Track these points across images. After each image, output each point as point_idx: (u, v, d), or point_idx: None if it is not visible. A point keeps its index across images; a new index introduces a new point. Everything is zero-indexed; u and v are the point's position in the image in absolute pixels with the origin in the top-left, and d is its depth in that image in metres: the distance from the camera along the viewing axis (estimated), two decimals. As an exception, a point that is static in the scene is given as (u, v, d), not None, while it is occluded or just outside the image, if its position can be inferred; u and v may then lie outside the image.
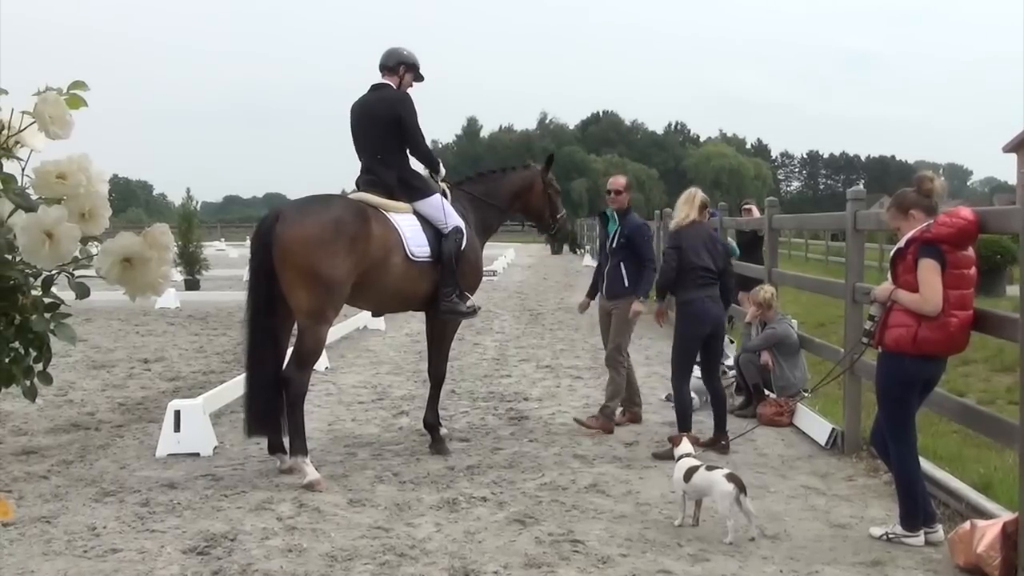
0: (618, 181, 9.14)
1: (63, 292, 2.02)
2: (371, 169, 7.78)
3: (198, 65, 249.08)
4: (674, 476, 6.09)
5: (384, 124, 7.67)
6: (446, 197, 7.90)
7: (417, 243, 7.50)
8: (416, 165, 7.94)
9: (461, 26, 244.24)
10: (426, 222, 7.67)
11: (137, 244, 1.85)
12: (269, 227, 7.06)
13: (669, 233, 8.02)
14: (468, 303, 7.81)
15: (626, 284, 8.64)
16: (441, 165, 8.05)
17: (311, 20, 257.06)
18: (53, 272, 1.90)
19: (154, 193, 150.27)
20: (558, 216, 8.92)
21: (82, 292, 1.95)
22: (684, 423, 7.74)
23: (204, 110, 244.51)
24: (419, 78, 8.03)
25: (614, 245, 8.87)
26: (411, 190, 7.72)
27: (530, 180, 8.71)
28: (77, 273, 1.94)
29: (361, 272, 7.15)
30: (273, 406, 7.18)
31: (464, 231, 7.82)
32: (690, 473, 5.90)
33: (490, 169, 9.03)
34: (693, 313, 7.81)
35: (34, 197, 1.89)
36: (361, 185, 7.79)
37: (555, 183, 8.91)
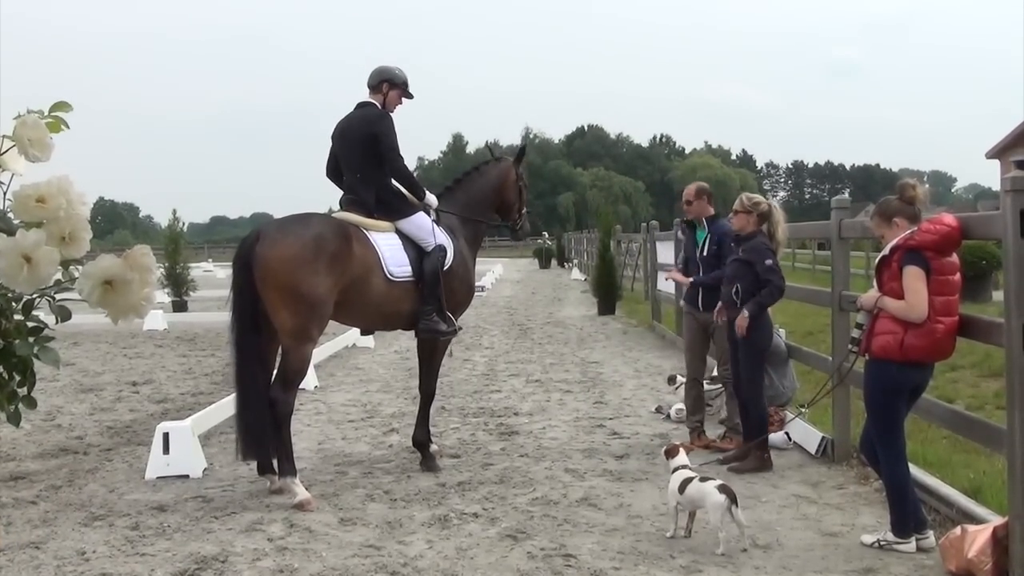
0: (688, 191, 8.85)
1: (48, 316, 2.01)
2: (352, 188, 7.77)
3: (184, 86, 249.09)
4: (669, 487, 6.08)
5: (361, 143, 7.66)
6: (431, 216, 7.87)
7: (396, 263, 7.46)
8: (399, 185, 7.91)
9: (447, 42, 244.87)
10: (408, 241, 7.64)
11: (117, 266, 1.84)
12: (249, 247, 7.04)
13: (767, 249, 7.64)
14: (450, 323, 7.78)
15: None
16: (428, 194, 7.92)
17: (298, 40, 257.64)
18: (34, 296, 1.89)
19: (140, 215, 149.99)
20: (523, 212, 8.83)
21: (64, 315, 1.94)
22: (761, 434, 7.66)
23: (190, 131, 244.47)
24: (407, 95, 8.02)
25: (704, 254, 8.62)
26: (391, 209, 7.68)
27: (504, 173, 8.60)
28: (62, 296, 1.93)
29: (342, 290, 7.13)
30: (265, 426, 7.14)
31: (450, 249, 7.81)
32: (684, 485, 5.90)
33: (464, 171, 8.91)
34: (766, 324, 7.78)
35: (15, 221, 1.88)
36: (343, 205, 7.80)
37: (525, 177, 8.82)
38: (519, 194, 8.70)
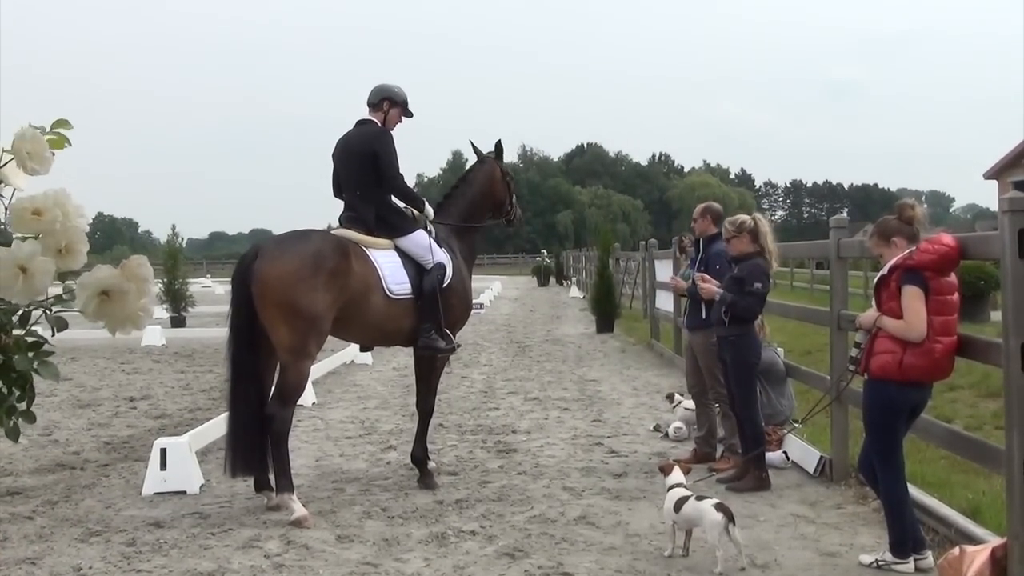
0: (696, 209, 9.06)
1: (45, 330, 2.00)
2: (352, 205, 7.78)
3: (183, 101, 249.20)
4: (665, 506, 6.07)
5: (361, 160, 7.67)
6: (430, 233, 7.89)
7: (396, 280, 7.47)
8: (399, 201, 7.93)
9: (445, 58, 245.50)
10: (408, 258, 7.64)
11: (114, 277, 1.84)
12: (248, 264, 7.04)
13: (762, 273, 7.66)
14: (448, 340, 7.78)
15: (703, 316, 8.33)
16: (426, 204, 7.99)
17: (297, 56, 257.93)
18: (31, 308, 1.89)
19: (140, 230, 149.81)
20: (514, 202, 8.89)
21: (60, 325, 1.93)
22: (759, 448, 7.61)
23: (189, 147, 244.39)
24: (407, 114, 8.05)
25: (695, 274, 8.70)
26: (391, 227, 7.69)
27: (490, 174, 8.67)
28: (58, 309, 1.93)
29: (341, 307, 7.13)
30: (257, 444, 7.13)
31: (448, 266, 7.81)
32: (680, 503, 5.89)
33: (452, 185, 8.96)
34: (753, 341, 7.77)
35: (13, 235, 1.88)
36: (343, 222, 7.80)
37: (510, 171, 8.93)
38: (507, 188, 8.78)
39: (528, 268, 56.22)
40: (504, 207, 8.81)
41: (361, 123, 7.88)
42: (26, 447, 9.42)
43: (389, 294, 7.40)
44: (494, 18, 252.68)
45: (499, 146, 8.92)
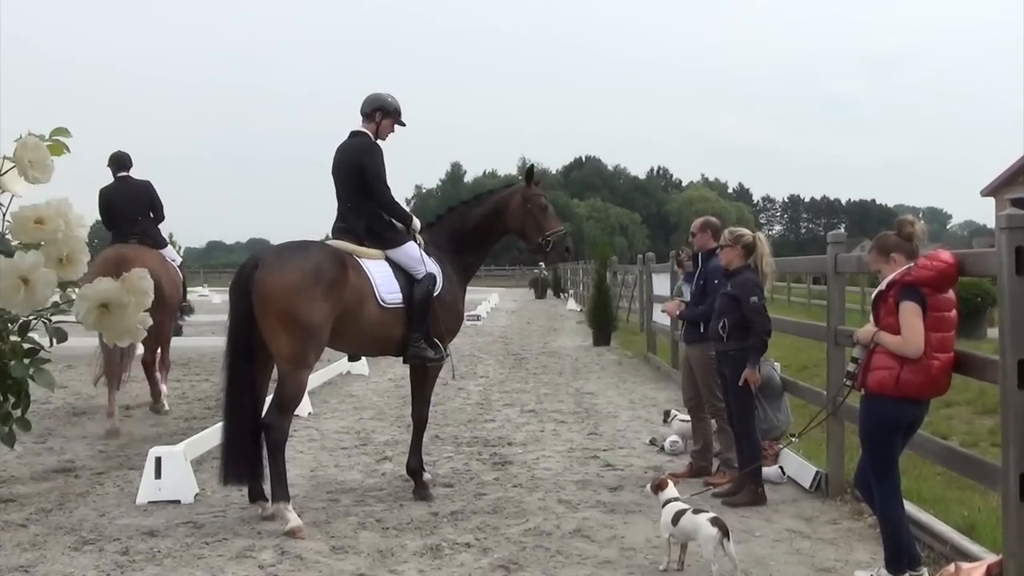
0: (694, 223, 9.02)
1: (43, 338, 2.00)
2: (343, 216, 7.82)
3: (180, 110, 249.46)
4: (662, 520, 6.06)
5: (349, 173, 7.71)
6: (420, 245, 7.87)
7: (388, 290, 7.48)
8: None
9: (444, 71, 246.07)
10: (399, 268, 7.66)
11: (114, 289, 1.85)
12: (249, 274, 7.06)
13: (755, 285, 7.64)
14: (437, 350, 7.78)
15: (701, 330, 8.39)
16: (415, 220, 7.95)
17: (294, 66, 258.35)
18: (30, 317, 1.89)
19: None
20: (547, 233, 8.35)
21: (60, 337, 1.94)
22: (756, 465, 7.60)
23: (187, 156, 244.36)
24: (400, 123, 8.05)
25: (693, 289, 8.79)
26: (381, 239, 7.71)
27: (504, 201, 8.38)
28: (58, 318, 1.93)
29: (337, 317, 7.15)
30: (250, 453, 7.13)
31: (439, 277, 7.81)
32: (677, 517, 5.88)
33: (462, 200, 8.85)
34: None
35: (13, 243, 1.88)
36: (335, 232, 7.84)
37: (540, 198, 8.40)
38: (531, 217, 8.33)
39: (525, 280, 56.28)
40: (530, 237, 8.39)
41: (354, 135, 7.90)
42: (21, 454, 9.38)
43: (381, 303, 7.42)
44: (493, 30, 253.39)
45: (529, 171, 8.59)
